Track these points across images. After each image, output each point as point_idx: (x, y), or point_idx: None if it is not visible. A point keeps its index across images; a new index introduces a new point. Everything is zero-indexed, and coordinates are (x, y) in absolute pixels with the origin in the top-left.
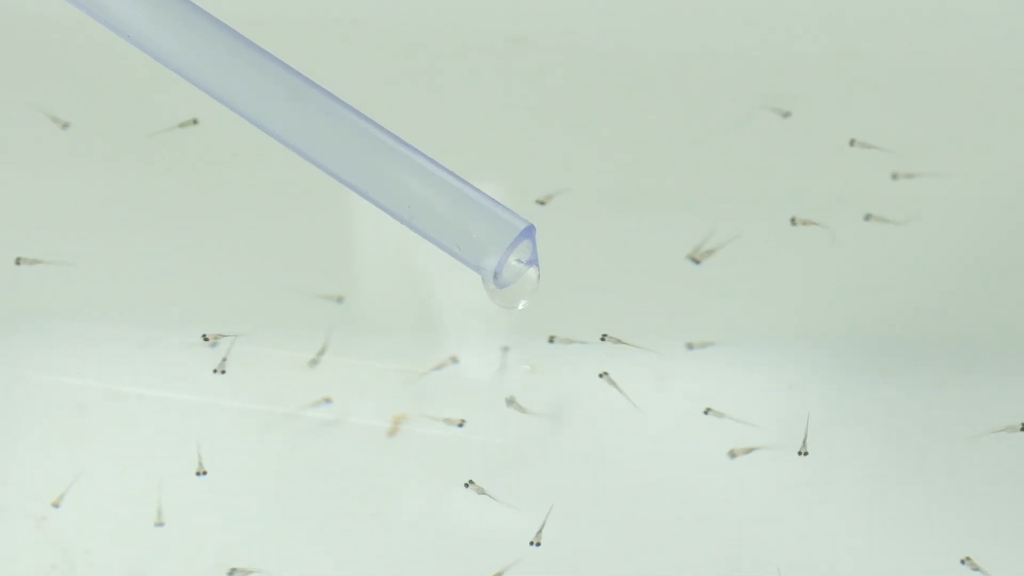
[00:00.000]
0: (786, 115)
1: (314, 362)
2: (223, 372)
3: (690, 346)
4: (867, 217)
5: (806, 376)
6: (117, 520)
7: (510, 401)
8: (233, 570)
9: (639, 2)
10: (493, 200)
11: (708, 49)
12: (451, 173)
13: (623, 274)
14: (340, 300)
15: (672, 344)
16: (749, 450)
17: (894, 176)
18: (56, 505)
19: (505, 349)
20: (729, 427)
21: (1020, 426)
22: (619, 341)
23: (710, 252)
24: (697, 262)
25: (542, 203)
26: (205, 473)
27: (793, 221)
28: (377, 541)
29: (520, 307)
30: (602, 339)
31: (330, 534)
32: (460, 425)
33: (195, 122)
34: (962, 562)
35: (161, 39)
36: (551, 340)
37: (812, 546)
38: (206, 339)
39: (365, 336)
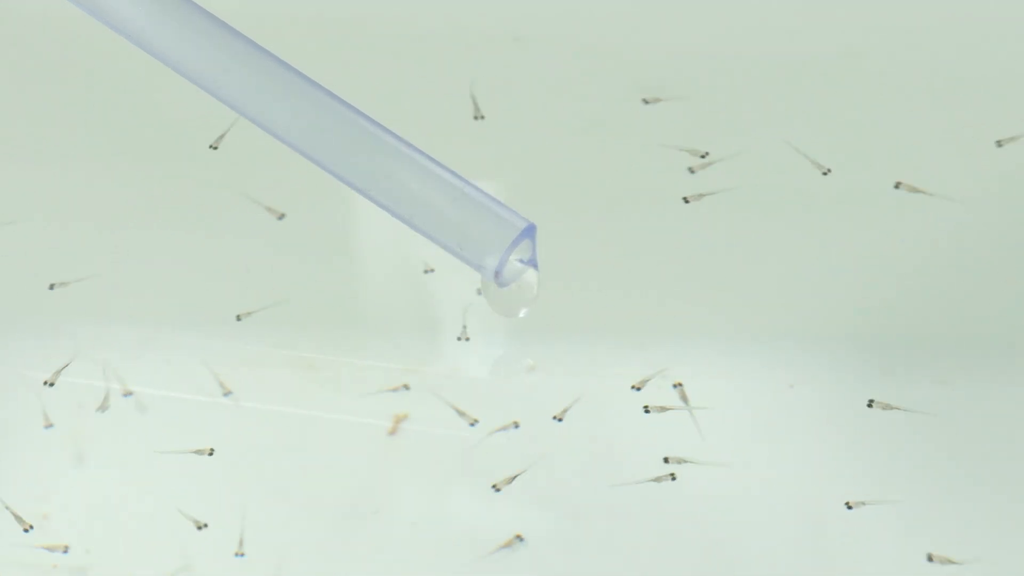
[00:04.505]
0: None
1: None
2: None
3: (690, 345)
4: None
5: (806, 376)
6: (117, 519)
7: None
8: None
9: (641, 3)
10: (494, 199)
11: (709, 50)
12: (452, 172)
13: (623, 273)
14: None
15: (673, 343)
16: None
17: (896, 184)
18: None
19: (505, 348)
20: (730, 427)
21: None
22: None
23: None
24: (638, 389)
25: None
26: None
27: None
28: (378, 539)
29: (521, 315)
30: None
31: (331, 532)
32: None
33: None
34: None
35: (162, 38)
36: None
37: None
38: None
39: (365, 336)
